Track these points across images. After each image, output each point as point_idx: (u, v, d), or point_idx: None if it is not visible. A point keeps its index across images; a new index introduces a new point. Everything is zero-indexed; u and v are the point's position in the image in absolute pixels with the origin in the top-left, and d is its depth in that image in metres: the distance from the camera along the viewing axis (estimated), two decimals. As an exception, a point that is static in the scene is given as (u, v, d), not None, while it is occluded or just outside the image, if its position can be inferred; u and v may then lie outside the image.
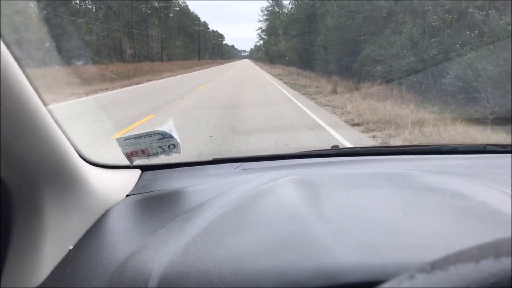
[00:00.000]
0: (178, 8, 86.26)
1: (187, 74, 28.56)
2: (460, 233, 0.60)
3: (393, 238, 0.59)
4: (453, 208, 0.68)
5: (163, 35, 68.19)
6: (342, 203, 0.74)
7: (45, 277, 0.69)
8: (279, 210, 0.73)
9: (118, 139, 0.98)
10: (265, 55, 77.90)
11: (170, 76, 24.94)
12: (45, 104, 0.71)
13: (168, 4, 67.95)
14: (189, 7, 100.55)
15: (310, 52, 33.22)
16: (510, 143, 1.39)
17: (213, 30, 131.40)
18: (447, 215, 0.66)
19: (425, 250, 0.55)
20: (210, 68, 43.11)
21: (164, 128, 0.99)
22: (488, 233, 0.59)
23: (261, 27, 77.83)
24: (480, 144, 1.36)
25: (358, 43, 20.66)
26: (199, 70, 38.13)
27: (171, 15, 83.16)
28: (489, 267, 0.30)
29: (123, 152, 1.01)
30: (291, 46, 41.01)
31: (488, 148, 1.34)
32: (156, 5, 62.05)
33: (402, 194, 0.78)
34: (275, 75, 26.28)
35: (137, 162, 1.05)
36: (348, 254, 0.56)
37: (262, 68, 44.46)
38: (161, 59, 47.34)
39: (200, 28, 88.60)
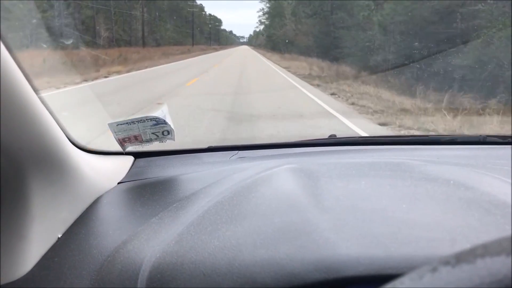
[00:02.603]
0: (169, -13, 77.65)
1: (161, 66, 20.55)
2: (466, 225, 0.57)
3: (397, 229, 0.57)
4: (458, 199, 0.66)
5: (151, 16, 59.72)
6: (342, 193, 0.71)
7: (32, 266, 0.68)
8: (277, 199, 0.70)
9: (110, 124, 0.95)
10: (267, 41, 69.24)
11: (140, 70, 17.72)
12: (35, 89, 0.69)
13: (156, -19, 59.33)
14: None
15: (333, 37, 24.43)
16: (510, 134, 1.45)
17: (209, 14, 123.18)
18: (452, 206, 0.64)
19: (431, 243, 0.53)
20: (197, 58, 34.74)
21: (158, 113, 0.96)
22: (496, 226, 0.57)
23: (262, 9, 68.92)
24: (480, 135, 1.37)
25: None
26: (185, 59, 29.72)
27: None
28: None
29: (115, 138, 0.98)
30: (304, 30, 32.15)
31: (488, 139, 1.34)
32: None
33: (404, 184, 0.74)
34: (302, 77, 15.49)
35: (130, 148, 1.03)
36: (350, 246, 0.54)
37: (269, 59, 35.26)
38: (143, 44, 38.59)
39: (195, 10, 79.64)
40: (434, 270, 0.29)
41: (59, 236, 0.75)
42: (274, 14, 56.25)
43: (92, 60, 18.34)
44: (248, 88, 11.43)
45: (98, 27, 38.66)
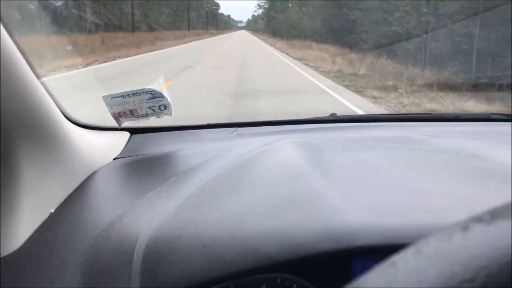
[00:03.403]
0: (163, -32, 73.63)
1: (140, 56, 17.37)
2: (483, 193, 0.55)
3: (410, 198, 0.54)
4: (471, 169, 0.64)
5: (148, 0, 56.05)
6: (350, 163, 0.68)
7: (24, 241, 0.67)
8: (280, 169, 0.67)
9: (104, 97, 0.92)
10: (267, 26, 65.69)
11: (108, 61, 14.79)
12: (29, 62, 0.68)
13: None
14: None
15: (346, 20, 21.13)
16: None
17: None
18: (466, 175, 0.61)
19: (447, 211, 0.50)
20: (189, 44, 30.96)
21: (154, 86, 0.93)
22: None
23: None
24: (484, 113, 1.34)
25: None
26: (175, 45, 26.35)
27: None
28: None
29: (110, 112, 0.95)
30: (310, 13, 28.65)
31: (493, 116, 1.31)
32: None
33: (413, 154, 0.71)
34: (334, 77, 10.22)
35: (126, 124, 1.01)
36: (361, 214, 0.51)
37: (272, 46, 29.92)
38: (132, 29, 35.15)
39: (191, -7, 75.77)
40: (465, 228, 0.25)
41: (52, 211, 0.73)
42: (275, -3, 52.65)
43: (62, 49, 15.28)
44: (256, 108, 5.87)
45: (83, 11, 35.29)
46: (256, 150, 0.80)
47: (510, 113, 1.38)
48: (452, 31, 11.17)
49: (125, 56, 15.49)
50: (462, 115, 1.37)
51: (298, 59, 16.31)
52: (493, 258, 0.22)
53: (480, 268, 0.22)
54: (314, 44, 21.56)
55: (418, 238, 0.31)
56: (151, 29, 53.71)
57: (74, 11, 31.88)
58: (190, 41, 35.01)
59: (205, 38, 48.47)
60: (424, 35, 12.17)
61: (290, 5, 40.83)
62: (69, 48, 17.34)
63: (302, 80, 9.99)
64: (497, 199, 0.47)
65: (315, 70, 12.17)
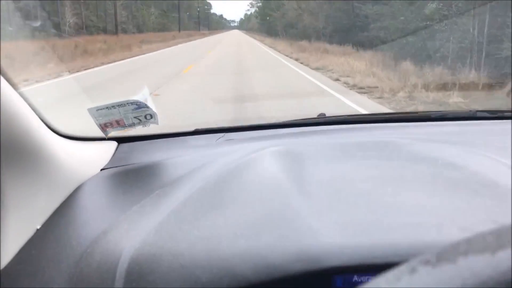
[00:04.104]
0: (151, -33, 70.58)
1: (121, 62, 14.42)
2: (454, 208, 0.56)
3: (382, 215, 0.56)
4: (445, 180, 0.65)
5: (135, 0, 53.08)
6: (327, 176, 0.70)
7: (10, 260, 0.66)
8: (259, 184, 0.69)
9: (89, 109, 0.93)
10: (261, 24, 62.86)
11: (92, 68, 12.06)
12: (6, 76, 0.67)
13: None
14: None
15: (356, 16, 18.35)
16: (501, 109, 1.55)
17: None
18: (439, 187, 0.63)
19: (417, 229, 0.52)
20: (177, 47, 27.64)
21: (139, 97, 0.94)
22: (484, 208, 0.56)
23: (255, -12, 61.96)
24: (470, 110, 1.37)
25: None
26: (160, 49, 23.35)
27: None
28: (508, 259, 0.25)
29: (96, 123, 0.95)
30: (311, 9, 25.70)
31: (478, 114, 1.32)
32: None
33: (391, 165, 0.74)
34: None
35: (113, 133, 1.01)
36: (333, 234, 0.52)
37: (272, 48, 24.92)
38: (115, 32, 32.25)
39: (181, -8, 72.82)
40: (413, 270, 0.26)
41: (38, 227, 0.72)
42: (269, -6, 49.79)
43: (24, 57, 12.48)
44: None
45: (62, 12, 32.29)
46: (239, 160, 0.81)
47: (495, 109, 1.43)
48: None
49: (100, 64, 12.68)
50: (448, 114, 1.42)
51: (315, 68, 11.39)
52: None
53: None
54: (329, 47, 17.43)
55: (388, 257, 0.35)
56: (139, 30, 50.74)
57: (44, 13, 28.80)
58: (179, 43, 32.07)
59: (196, 39, 45.39)
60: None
61: (285, 2, 38.05)
62: (36, 56, 14.64)
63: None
64: (467, 214, 0.53)
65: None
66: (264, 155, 0.81)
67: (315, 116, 1.37)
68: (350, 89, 8.03)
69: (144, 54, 18.28)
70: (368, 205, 0.58)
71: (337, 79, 9.47)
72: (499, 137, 1.02)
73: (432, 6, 10.50)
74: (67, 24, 32.71)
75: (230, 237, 0.55)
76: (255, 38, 49.81)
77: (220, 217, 0.60)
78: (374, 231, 0.52)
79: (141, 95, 0.95)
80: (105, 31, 39.35)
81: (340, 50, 15.51)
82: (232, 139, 1.17)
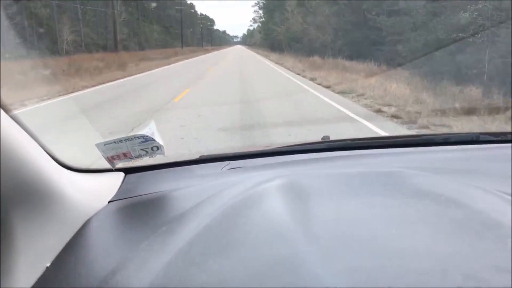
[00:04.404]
0: (153, -17, 70.06)
1: (115, 83, 13.15)
2: (457, 252, 0.57)
3: (387, 261, 0.57)
4: (449, 220, 0.66)
5: (134, 16, 52.29)
6: (332, 216, 0.71)
7: None
8: (265, 226, 0.69)
9: (97, 144, 0.95)
10: (264, 39, 61.90)
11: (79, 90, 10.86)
12: (6, 108, 0.67)
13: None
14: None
15: (370, 29, 17.00)
16: (503, 131, 1.52)
17: (201, 14, 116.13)
18: (443, 229, 0.64)
19: (421, 275, 0.53)
20: (177, 65, 26.39)
21: (145, 131, 0.96)
22: (488, 252, 0.57)
23: (257, 3, 61.05)
24: (473, 133, 1.35)
25: None
26: (158, 67, 22.08)
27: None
28: None
29: (103, 156, 0.98)
30: (318, 22, 24.44)
31: (482, 137, 1.33)
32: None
33: (394, 203, 0.74)
34: None
35: (120, 164, 1.02)
36: (338, 282, 0.53)
37: (279, 64, 22.32)
38: (115, 49, 31.13)
39: (184, 9, 72.34)
40: None
41: (48, 265, 0.72)
42: (271, 9, 48.78)
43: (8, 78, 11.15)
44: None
45: (58, 30, 31.23)
46: (245, 193, 0.82)
47: (498, 131, 1.41)
48: None
49: (81, 88, 11.28)
50: (451, 137, 1.41)
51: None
52: None
53: None
54: (347, 63, 15.08)
55: None
56: (141, 47, 49.82)
57: (42, 30, 27.70)
58: (177, 60, 30.77)
59: (198, 55, 44.24)
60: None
61: (289, 16, 36.91)
62: (20, 76, 13.34)
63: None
64: (470, 259, 0.55)
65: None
66: (270, 191, 0.81)
67: (320, 139, 1.44)
68: (409, 128, 5.79)
69: (138, 73, 17.00)
70: (373, 250, 0.59)
71: (378, 110, 7.07)
72: (501, 164, 1.05)
73: (465, 16, 9.01)
74: (65, 42, 31.71)
75: (237, 283, 0.56)
76: (259, 53, 48.49)
77: (227, 261, 0.60)
78: (378, 278, 0.53)
79: (148, 129, 0.96)
80: (105, 48, 38.31)
81: (361, 68, 13.71)
82: (237, 168, 1.18)
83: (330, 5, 21.62)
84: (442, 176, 0.87)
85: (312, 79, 13.06)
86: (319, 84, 11.53)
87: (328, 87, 10.65)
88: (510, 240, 0.58)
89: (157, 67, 21.43)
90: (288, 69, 18.72)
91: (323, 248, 0.60)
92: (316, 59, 19.05)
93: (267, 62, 27.97)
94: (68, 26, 33.05)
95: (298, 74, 15.71)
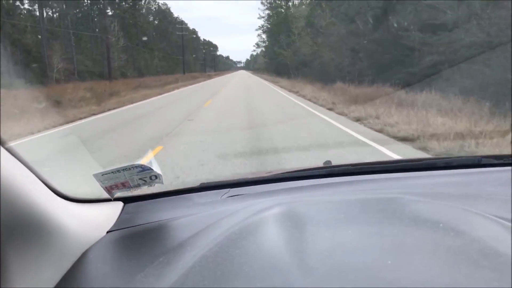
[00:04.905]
0: (154, 8, 68.56)
1: (94, 118, 10.43)
2: (453, 282, 0.57)
3: None
4: (446, 249, 0.65)
5: (133, 43, 50.22)
6: (329, 246, 0.70)
7: None
8: (260, 258, 0.69)
9: (95, 175, 0.95)
10: (269, 64, 59.66)
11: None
12: (1, 141, 0.67)
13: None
14: (184, 20, 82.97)
15: (403, 48, 14.27)
16: (505, 154, 1.41)
17: (204, 40, 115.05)
18: (440, 258, 0.63)
19: None
20: (172, 94, 23.19)
21: (143, 161, 0.97)
22: (484, 282, 0.56)
23: (261, 26, 58.84)
24: (475, 157, 1.35)
25: None
26: (150, 97, 19.41)
27: (150, 18, 66.28)
28: None
29: (102, 186, 0.97)
30: (331, 43, 21.96)
31: (484, 161, 1.32)
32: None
33: (393, 231, 0.73)
34: None
35: (119, 194, 1.02)
36: None
37: (298, 96, 16.71)
38: (109, 77, 28.71)
39: (185, 34, 70.62)
40: None
41: None
42: (276, 31, 46.57)
43: None
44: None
45: (47, 57, 28.84)
46: (242, 223, 0.81)
47: (500, 154, 1.39)
48: None
49: (57, 125, 8.40)
50: (453, 161, 1.39)
51: None
52: None
53: None
54: (403, 94, 10.85)
55: None
56: (140, 74, 47.52)
57: (29, 58, 25.01)
58: (174, 88, 28.04)
59: (197, 82, 41.48)
60: None
61: (295, 39, 34.46)
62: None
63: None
64: None
65: None
66: (267, 220, 0.81)
67: (321, 164, 1.40)
68: None
69: (120, 107, 14.26)
70: (368, 282, 0.59)
71: None
72: (502, 188, 1.05)
73: None
74: (55, 69, 29.30)
75: None
76: (265, 79, 45.19)
77: None
78: None
79: (145, 158, 0.97)
80: (101, 76, 35.89)
81: (425, 100, 9.46)
82: (236, 195, 1.17)
83: (347, 23, 18.92)
84: (441, 202, 0.88)
85: (363, 121, 8.47)
86: (392, 136, 6.83)
87: (408, 139, 6.30)
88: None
89: (145, 98, 18.64)
90: (311, 101, 13.83)
91: (318, 281, 0.60)
92: (341, 85, 15.60)
93: (278, 90, 22.99)
94: (60, 53, 30.78)
95: (330, 109, 11.17)
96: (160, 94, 22.20)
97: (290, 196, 1.12)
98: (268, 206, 0.89)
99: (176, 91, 25.68)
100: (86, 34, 39.06)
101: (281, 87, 25.77)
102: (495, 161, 1.32)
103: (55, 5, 39.63)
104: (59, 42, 34.48)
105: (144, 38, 51.77)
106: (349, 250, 0.68)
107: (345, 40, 18.47)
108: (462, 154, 5.21)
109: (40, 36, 30.61)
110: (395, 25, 14.52)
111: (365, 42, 16.18)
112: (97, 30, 37.88)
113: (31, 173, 0.75)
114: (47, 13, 39.44)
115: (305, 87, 19.62)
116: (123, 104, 15.22)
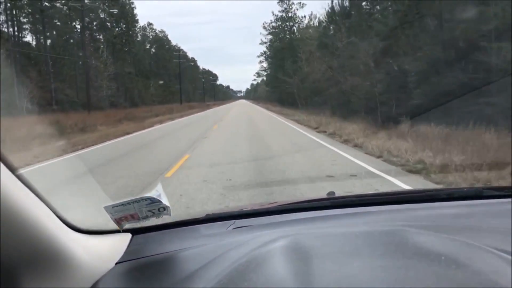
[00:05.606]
0: (151, 35, 65.51)
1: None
2: None
3: None
4: (448, 282, 0.66)
5: (125, 71, 46.60)
6: (334, 280, 0.71)
7: None
8: None
9: (106, 207, 0.96)
10: (271, 92, 55.88)
11: None
12: (12, 169, 0.66)
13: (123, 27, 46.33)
14: (184, 50, 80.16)
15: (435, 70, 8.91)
16: (507, 185, 1.61)
17: (203, 68, 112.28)
18: None
19: None
20: (150, 130, 17.70)
21: (152, 193, 0.98)
22: None
23: (264, 52, 55.24)
24: (478, 188, 1.36)
25: None
26: (124, 135, 15.08)
27: (146, 45, 63.21)
28: None
29: (111, 218, 0.98)
30: (356, 67, 17.81)
31: (485, 192, 1.33)
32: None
33: (396, 264, 0.75)
34: None
35: (127, 226, 1.03)
36: None
37: (349, 146, 9.59)
38: (88, 107, 24.57)
39: (183, 62, 67.23)
40: None
41: None
42: (281, 57, 42.88)
43: None
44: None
45: (19, 86, 24.95)
46: (249, 255, 0.82)
47: (502, 186, 1.39)
48: None
49: None
50: (455, 192, 1.40)
51: None
52: None
53: None
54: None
55: None
56: (133, 104, 43.61)
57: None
58: (162, 121, 23.85)
59: (192, 114, 37.06)
60: None
61: (304, 63, 30.49)
62: None
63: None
64: None
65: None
66: (274, 253, 0.81)
67: (325, 195, 1.40)
68: None
69: (80, 149, 10.45)
70: None
71: None
72: (504, 220, 1.04)
73: None
74: (26, 99, 25.37)
75: None
76: (270, 110, 39.23)
77: None
78: None
79: (155, 191, 0.98)
80: (84, 106, 31.83)
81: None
82: (243, 227, 1.17)
83: (378, 39, 14.78)
84: (443, 235, 0.88)
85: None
86: None
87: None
88: None
89: (116, 136, 14.28)
90: (375, 156, 7.93)
91: None
92: (425, 128, 9.52)
93: (297, 128, 15.52)
94: (36, 80, 26.93)
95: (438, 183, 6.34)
96: (143, 128, 17.94)
97: (296, 227, 1.11)
98: (274, 238, 0.89)
99: (162, 125, 21.45)
100: (70, 60, 35.19)
101: (298, 122, 18.64)
102: (497, 193, 1.33)
103: (40, 28, 35.97)
104: (38, 69, 30.68)
105: (130, 70, 47.91)
106: (355, 283, 0.68)
107: (375, 61, 14.28)
108: None
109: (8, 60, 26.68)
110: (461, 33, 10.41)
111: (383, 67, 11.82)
112: (80, 54, 33.89)
113: (42, 203, 0.74)
114: (33, 37, 35.87)
115: (334, 124, 13.87)
116: (85, 145, 11.20)
